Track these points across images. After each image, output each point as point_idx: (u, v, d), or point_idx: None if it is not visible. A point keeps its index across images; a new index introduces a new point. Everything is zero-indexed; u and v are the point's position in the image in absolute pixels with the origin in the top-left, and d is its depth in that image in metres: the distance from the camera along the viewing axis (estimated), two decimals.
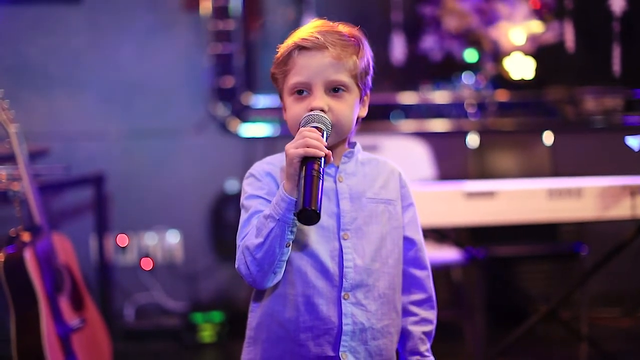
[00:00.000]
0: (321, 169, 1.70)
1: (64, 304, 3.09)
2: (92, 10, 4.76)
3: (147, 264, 4.79)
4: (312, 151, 1.70)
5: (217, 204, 4.84)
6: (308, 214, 1.67)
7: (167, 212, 4.82)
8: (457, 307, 4.54)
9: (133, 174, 4.79)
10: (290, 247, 1.78)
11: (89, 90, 4.79)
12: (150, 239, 4.82)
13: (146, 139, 4.80)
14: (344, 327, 1.82)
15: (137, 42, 4.78)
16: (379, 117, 4.85)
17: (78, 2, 4.74)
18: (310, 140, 1.72)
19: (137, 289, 4.80)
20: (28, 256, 2.94)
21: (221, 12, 4.73)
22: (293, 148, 1.72)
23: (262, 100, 4.84)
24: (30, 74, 4.73)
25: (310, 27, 1.88)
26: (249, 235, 1.79)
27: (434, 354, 1.97)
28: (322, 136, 1.76)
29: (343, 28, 1.89)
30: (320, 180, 1.70)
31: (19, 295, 2.95)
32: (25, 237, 3.02)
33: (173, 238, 4.84)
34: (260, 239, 1.75)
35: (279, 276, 1.80)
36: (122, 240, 4.79)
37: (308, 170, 1.70)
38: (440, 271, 4.44)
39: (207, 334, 4.47)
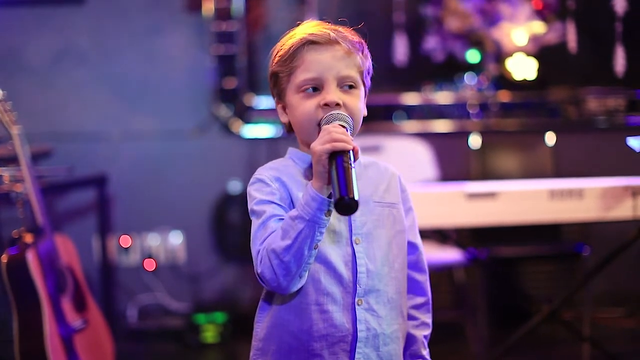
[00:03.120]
0: (351, 161, 1.65)
1: (67, 305, 3.10)
2: (95, 12, 4.77)
3: (150, 265, 4.80)
4: (340, 145, 1.66)
5: (219, 205, 4.83)
6: (346, 202, 1.60)
7: (170, 213, 4.82)
8: (459, 307, 4.55)
9: (136, 175, 4.79)
10: (317, 249, 1.72)
11: (91, 92, 4.79)
12: (153, 240, 4.82)
13: (149, 140, 4.80)
14: (359, 334, 1.79)
15: (139, 43, 4.79)
16: (382, 117, 4.85)
17: (81, 3, 4.75)
18: (337, 134, 1.67)
19: (140, 289, 4.80)
20: (30, 257, 2.95)
21: (223, 13, 4.73)
22: (320, 145, 1.67)
23: (264, 101, 4.84)
24: (32, 75, 4.74)
25: (310, 26, 1.85)
26: (273, 238, 1.72)
27: (436, 354, 1.97)
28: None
29: (343, 29, 1.86)
30: (353, 170, 1.64)
31: (21, 297, 2.95)
32: (28, 238, 3.03)
33: (176, 239, 4.84)
34: (288, 241, 1.69)
35: (304, 280, 1.75)
36: (125, 241, 4.80)
37: (339, 162, 1.64)
38: (443, 272, 4.44)
39: (210, 334, 4.46)
